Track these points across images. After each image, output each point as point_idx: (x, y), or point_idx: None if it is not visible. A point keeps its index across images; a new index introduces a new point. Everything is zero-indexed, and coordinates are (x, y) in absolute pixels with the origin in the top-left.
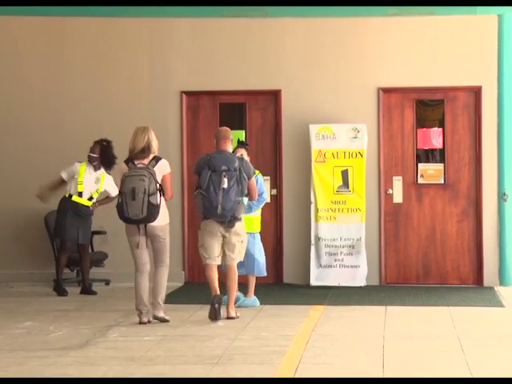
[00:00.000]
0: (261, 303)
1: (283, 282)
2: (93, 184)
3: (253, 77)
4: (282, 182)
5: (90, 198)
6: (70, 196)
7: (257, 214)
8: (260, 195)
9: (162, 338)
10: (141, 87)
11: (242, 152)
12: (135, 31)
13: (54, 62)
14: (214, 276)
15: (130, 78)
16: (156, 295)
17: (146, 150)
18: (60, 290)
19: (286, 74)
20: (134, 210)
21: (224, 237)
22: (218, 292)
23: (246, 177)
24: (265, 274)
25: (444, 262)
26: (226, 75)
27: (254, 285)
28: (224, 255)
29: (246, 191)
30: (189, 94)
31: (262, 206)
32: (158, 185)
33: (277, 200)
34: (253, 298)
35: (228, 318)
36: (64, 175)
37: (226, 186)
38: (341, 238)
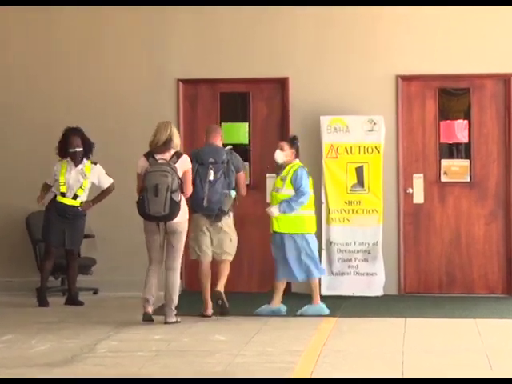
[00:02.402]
0: (265, 315)
1: (291, 292)
2: (76, 181)
3: (257, 63)
4: None
5: (75, 197)
6: (55, 197)
7: (309, 213)
8: (298, 189)
9: (156, 353)
10: (134, 75)
11: (284, 144)
12: (129, 16)
13: (45, 50)
14: (207, 275)
15: (122, 65)
16: (168, 301)
17: (168, 143)
18: (42, 300)
19: (295, 59)
20: (155, 207)
21: (211, 232)
22: (208, 302)
23: (233, 170)
24: (324, 272)
25: (470, 269)
26: (227, 61)
27: (318, 289)
28: (213, 252)
29: (234, 184)
30: (186, 82)
31: (303, 201)
32: (180, 181)
33: None
34: (319, 305)
35: (216, 294)
36: (48, 180)
37: (211, 178)
38: (355, 243)
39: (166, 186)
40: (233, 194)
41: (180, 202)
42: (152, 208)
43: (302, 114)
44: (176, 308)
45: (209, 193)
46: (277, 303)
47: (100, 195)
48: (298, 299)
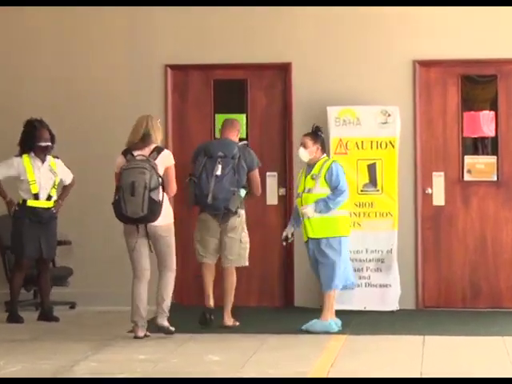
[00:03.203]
0: (265, 331)
1: (294, 306)
2: (48, 179)
3: (256, 46)
4: (293, 180)
5: (49, 198)
6: (25, 202)
7: (344, 213)
8: (336, 186)
9: (141, 374)
10: (114, 61)
11: (307, 140)
12: None
13: (22, 36)
14: (210, 277)
15: (104, 49)
16: (160, 302)
17: (146, 138)
18: (14, 316)
19: (298, 42)
20: (132, 208)
21: (220, 234)
22: (211, 303)
23: (245, 166)
24: (355, 283)
25: (497, 280)
26: (221, 44)
27: (332, 303)
28: (221, 256)
29: (245, 182)
30: (175, 68)
31: (341, 200)
32: (160, 179)
33: (285, 202)
34: (329, 322)
35: (224, 326)
36: None
37: (219, 172)
38: (367, 250)
39: (143, 184)
40: (242, 192)
41: (161, 202)
42: (129, 209)
43: (307, 105)
44: (169, 311)
45: (215, 189)
46: (327, 317)
47: (64, 193)
48: (300, 313)
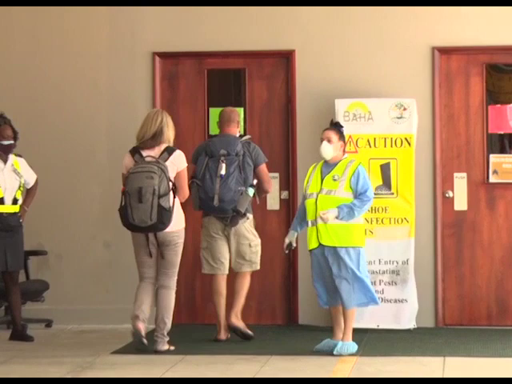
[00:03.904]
0: (267, 353)
1: (298, 324)
2: (13, 180)
3: (255, 32)
4: (297, 182)
5: (15, 201)
6: None
7: (360, 221)
8: (363, 193)
9: None
10: (96, 48)
11: (332, 135)
12: None
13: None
14: (222, 292)
15: (82, 35)
16: (161, 326)
17: (158, 136)
18: None
19: (303, 28)
20: (140, 215)
21: (228, 238)
22: (223, 335)
23: (251, 162)
24: (378, 302)
25: None
26: (216, 30)
27: (351, 325)
28: (232, 261)
29: (252, 180)
30: (164, 56)
31: (367, 209)
32: (170, 183)
33: (289, 206)
34: (353, 342)
35: (231, 328)
36: None
37: (223, 172)
38: (380, 261)
39: (151, 190)
40: (250, 191)
41: (172, 208)
42: (136, 216)
43: (313, 97)
44: (168, 334)
45: (220, 190)
46: (350, 337)
47: (29, 197)
48: (306, 332)
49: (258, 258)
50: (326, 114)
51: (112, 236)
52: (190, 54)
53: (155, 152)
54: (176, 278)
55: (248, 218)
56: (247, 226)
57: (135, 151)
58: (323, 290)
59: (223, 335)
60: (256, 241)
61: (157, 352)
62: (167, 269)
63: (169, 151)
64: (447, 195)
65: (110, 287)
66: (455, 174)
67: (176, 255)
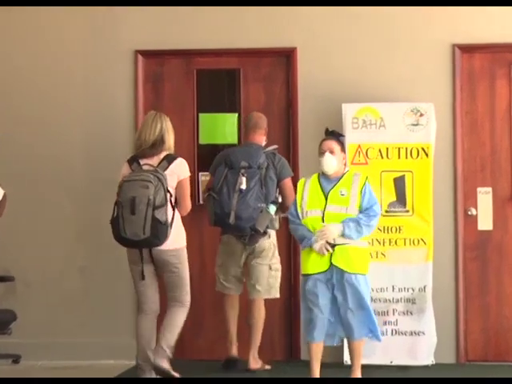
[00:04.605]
0: None
1: (300, 359)
2: None
3: (252, 28)
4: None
5: None
6: None
7: (365, 244)
8: (369, 208)
9: None
10: (73, 47)
11: (334, 145)
12: None
13: None
14: (233, 315)
15: (58, 32)
16: (160, 338)
17: (159, 144)
18: None
19: (305, 23)
20: (133, 228)
21: (245, 258)
22: (235, 351)
23: (274, 177)
24: (380, 338)
25: None
26: (207, 26)
27: (361, 358)
28: (247, 285)
29: (275, 196)
30: (148, 54)
31: (374, 226)
32: (168, 194)
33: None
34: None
35: (248, 370)
36: None
37: (243, 186)
38: (394, 288)
39: (145, 200)
40: (272, 209)
41: (169, 222)
42: (128, 230)
43: (316, 101)
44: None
45: (238, 206)
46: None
47: None
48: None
49: (277, 284)
50: (332, 121)
51: (88, 260)
52: (176, 52)
53: (154, 161)
54: (188, 297)
55: (270, 237)
56: (268, 246)
57: (133, 160)
58: (318, 321)
59: (235, 350)
60: (277, 264)
61: (156, 369)
62: (173, 292)
63: (168, 160)
64: (470, 213)
65: (85, 318)
66: (479, 189)
67: (179, 277)
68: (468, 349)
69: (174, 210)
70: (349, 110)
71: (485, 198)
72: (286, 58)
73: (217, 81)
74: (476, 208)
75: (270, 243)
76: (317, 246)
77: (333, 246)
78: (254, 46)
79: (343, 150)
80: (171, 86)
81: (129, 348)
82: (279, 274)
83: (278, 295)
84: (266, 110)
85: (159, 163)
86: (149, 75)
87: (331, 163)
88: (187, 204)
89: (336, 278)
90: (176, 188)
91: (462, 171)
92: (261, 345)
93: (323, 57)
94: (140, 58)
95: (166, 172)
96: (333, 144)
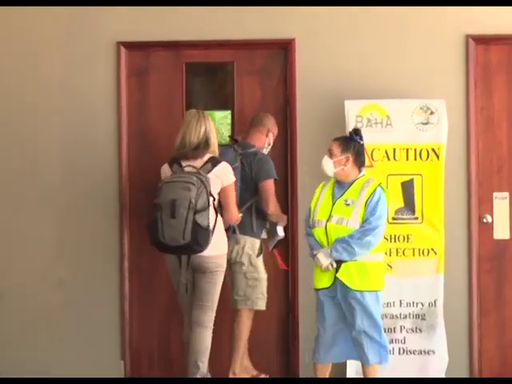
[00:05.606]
0: None
1: (298, 377)
2: None
3: (246, 18)
4: (297, 202)
5: None
6: None
7: (377, 257)
8: (369, 218)
9: None
10: (49, 37)
11: (334, 147)
12: None
13: None
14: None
15: (32, 21)
16: (194, 371)
17: (202, 146)
18: None
19: (305, 12)
20: (172, 233)
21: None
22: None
23: (253, 177)
24: (388, 361)
25: None
26: (197, 15)
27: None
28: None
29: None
30: (131, 46)
31: (371, 242)
32: (211, 198)
33: (287, 234)
34: None
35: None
36: None
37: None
38: (401, 303)
39: (186, 204)
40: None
41: (211, 227)
42: (167, 234)
43: (316, 97)
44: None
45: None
46: None
47: None
48: None
49: (257, 294)
50: (334, 119)
51: (67, 272)
52: (164, 43)
53: (197, 163)
54: (214, 314)
55: (238, 243)
56: (241, 252)
57: (174, 161)
58: (322, 341)
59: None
60: (254, 273)
61: None
62: (202, 301)
63: (213, 162)
64: (485, 220)
65: (63, 334)
66: (495, 194)
67: (213, 285)
68: (482, 368)
69: (216, 214)
70: (352, 108)
71: (501, 204)
72: (283, 50)
73: (208, 75)
74: (492, 215)
75: (241, 249)
76: (322, 265)
77: (338, 262)
78: (248, 37)
79: (346, 152)
80: (157, 82)
81: (114, 367)
82: (260, 284)
83: (261, 307)
84: (261, 107)
85: (202, 165)
86: (133, 69)
87: (327, 166)
88: (233, 212)
89: (341, 294)
90: (220, 194)
91: (477, 174)
92: (256, 362)
93: (324, 49)
94: (123, 50)
95: (209, 175)
96: (333, 145)
